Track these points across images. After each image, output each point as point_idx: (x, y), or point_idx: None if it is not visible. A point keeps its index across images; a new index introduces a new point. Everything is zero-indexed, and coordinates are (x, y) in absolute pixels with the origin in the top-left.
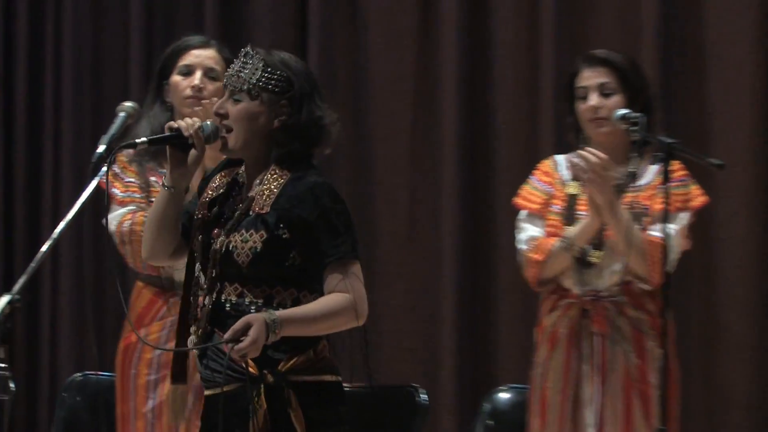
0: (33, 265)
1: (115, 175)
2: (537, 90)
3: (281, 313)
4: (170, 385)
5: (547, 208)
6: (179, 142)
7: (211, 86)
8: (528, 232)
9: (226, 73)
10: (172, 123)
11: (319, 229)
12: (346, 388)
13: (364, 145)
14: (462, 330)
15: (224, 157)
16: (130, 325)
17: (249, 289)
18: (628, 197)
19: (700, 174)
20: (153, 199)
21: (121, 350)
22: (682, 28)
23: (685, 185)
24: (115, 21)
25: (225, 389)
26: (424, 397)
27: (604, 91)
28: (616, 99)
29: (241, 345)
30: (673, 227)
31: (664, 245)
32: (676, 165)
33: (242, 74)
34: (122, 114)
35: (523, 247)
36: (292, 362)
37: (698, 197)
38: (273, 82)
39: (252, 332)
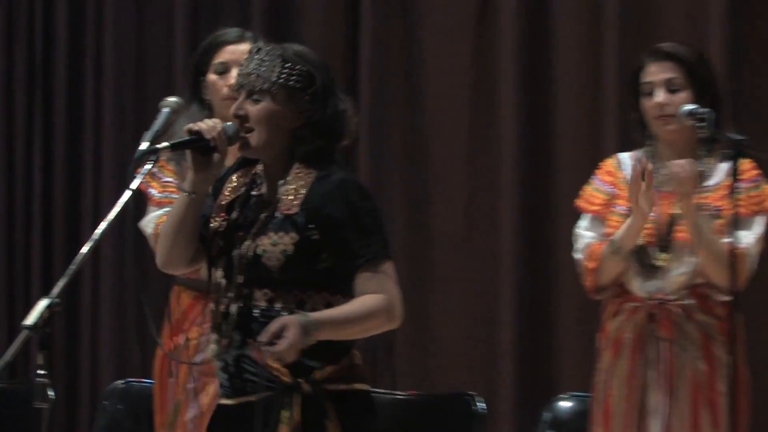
0: (73, 267)
1: (153, 175)
2: (600, 85)
3: (316, 315)
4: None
5: (608, 209)
6: (201, 145)
7: None
8: (584, 239)
9: (240, 73)
10: (191, 126)
11: (349, 229)
12: (399, 397)
13: (419, 142)
14: (521, 335)
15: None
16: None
17: (280, 295)
18: (698, 198)
19: None
20: None
21: (159, 357)
22: (751, 21)
23: (758, 186)
24: (158, 12)
25: (254, 398)
26: (481, 405)
27: (670, 87)
28: (683, 95)
29: (278, 347)
30: (751, 234)
31: (745, 254)
32: (747, 164)
33: (261, 73)
34: (166, 109)
35: (578, 255)
36: (328, 370)
37: None
38: (294, 78)
39: (289, 334)
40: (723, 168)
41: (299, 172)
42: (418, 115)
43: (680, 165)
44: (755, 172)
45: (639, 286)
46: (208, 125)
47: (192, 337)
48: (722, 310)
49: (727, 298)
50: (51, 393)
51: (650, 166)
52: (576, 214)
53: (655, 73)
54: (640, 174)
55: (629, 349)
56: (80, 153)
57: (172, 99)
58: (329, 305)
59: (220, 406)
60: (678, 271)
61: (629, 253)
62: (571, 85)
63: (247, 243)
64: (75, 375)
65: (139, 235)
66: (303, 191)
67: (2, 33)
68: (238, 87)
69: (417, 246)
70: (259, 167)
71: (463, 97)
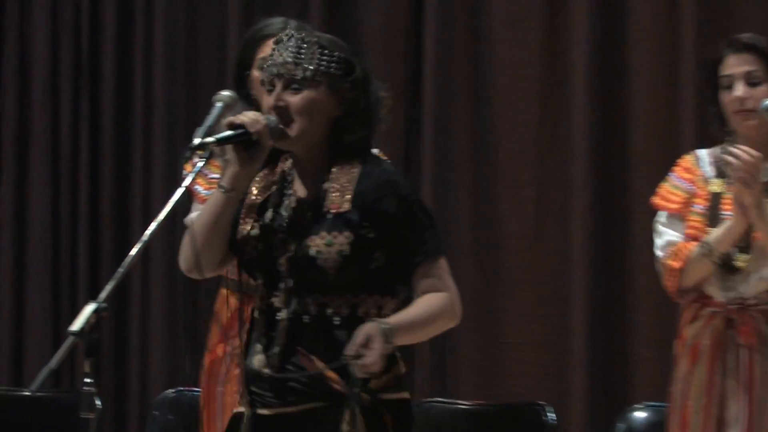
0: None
1: (198, 171)
2: (677, 78)
3: (392, 320)
4: None
5: (687, 208)
6: (244, 140)
7: None
8: (666, 236)
9: (274, 62)
10: (233, 119)
11: (405, 225)
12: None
13: (486, 138)
14: (593, 341)
15: None
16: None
17: (331, 299)
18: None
19: None
20: None
21: (207, 366)
22: None
23: None
24: (211, 2)
25: (301, 408)
26: (551, 415)
27: (750, 80)
28: (763, 88)
29: (368, 360)
30: None
31: None
32: None
33: (300, 61)
34: (219, 104)
35: (660, 253)
36: (384, 379)
37: None
38: (334, 65)
39: (376, 344)
40: None
41: (342, 166)
42: (485, 110)
43: (736, 153)
44: None
45: (718, 290)
46: (250, 118)
47: (239, 345)
48: None
49: None
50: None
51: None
52: (652, 213)
53: (734, 65)
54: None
55: (707, 356)
56: (129, 150)
57: (225, 93)
58: (380, 309)
59: (256, 417)
60: (758, 275)
61: (720, 257)
62: (647, 76)
63: (294, 245)
64: (123, 383)
65: None
66: (350, 187)
67: (47, 27)
68: (273, 77)
69: (484, 247)
70: (287, 164)
71: (533, 90)
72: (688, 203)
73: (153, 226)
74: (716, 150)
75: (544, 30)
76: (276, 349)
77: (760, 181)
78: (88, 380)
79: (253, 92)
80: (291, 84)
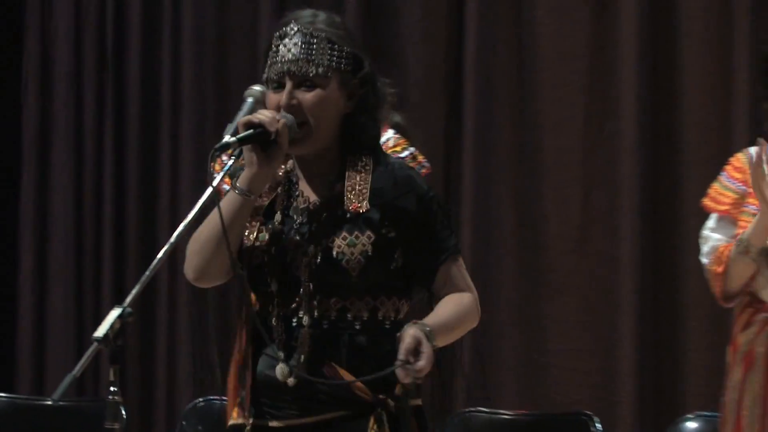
0: (148, 273)
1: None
2: (730, 72)
3: (429, 323)
4: None
5: (738, 210)
6: (262, 139)
7: None
8: (710, 242)
9: (283, 59)
10: (252, 117)
11: (426, 223)
12: (507, 416)
13: (530, 135)
14: (642, 349)
15: None
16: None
17: (352, 303)
18: None
19: None
20: None
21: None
22: None
23: None
24: None
25: (320, 418)
26: (598, 426)
27: None
28: None
29: (421, 364)
30: None
31: None
32: None
33: (312, 57)
34: (250, 99)
35: (705, 260)
36: (408, 384)
37: None
38: (344, 61)
39: (426, 348)
40: None
41: (354, 165)
42: (528, 105)
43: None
44: None
45: None
46: (268, 117)
47: None
48: None
49: None
50: (123, 412)
51: None
52: (704, 214)
53: None
54: (762, 160)
55: (762, 363)
56: (156, 148)
57: (256, 88)
58: (397, 312)
59: (261, 429)
60: None
61: (759, 254)
62: (699, 70)
63: (312, 248)
64: (150, 392)
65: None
66: (366, 185)
67: (70, 19)
68: (283, 74)
69: (528, 250)
70: (289, 164)
71: (579, 85)
72: (738, 204)
73: (180, 227)
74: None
75: (592, 21)
76: (301, 358)
77: None
78: (112, 389)
79: None
80: (303, 82)
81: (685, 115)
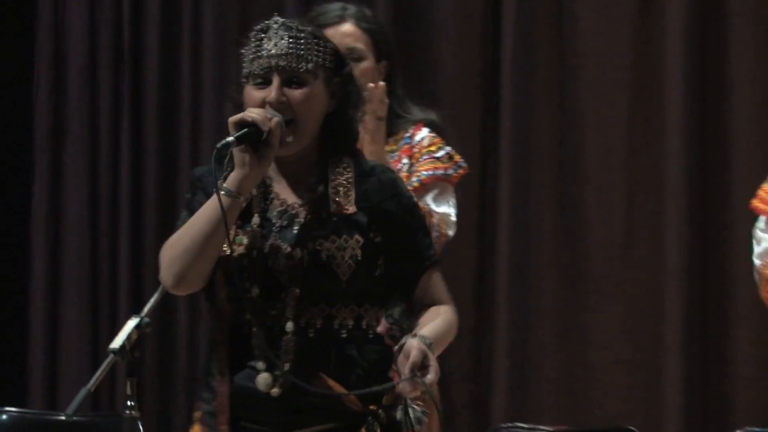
0: None
1: None
2: None
3: (426, 335)
4: None
5: None
6: (254, 139)
7: (354, 70)
8: (764, 243)
9: (269, 54)
10: (245, 115)
11: (409, 229)
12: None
13: (571, 136)
14: (690, 360)
15: None
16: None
17: (338, 310)
18: None
19: None
20: None
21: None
22: None
23: None
24: None
25: (309, 430)
26: None
27: None
28: None
29: (431, 377)
30: None
31: None
32: None
33: (300, 53)
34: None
35: (758, 262)
36: (393, 396)
37: None
38: (328, 57)
39: (432, 360)
40: None
41: (337, 166)
42: (569, 104)
43: None
44: None
45: None
46: (260, 115)
47: None
48: None
49: None
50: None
51: None
52: (753, 218)
53: None
54: None
55: None
56: (175, 149)
57: None
58: (377, 321)
59: None
60: None
61: None
62: (750, 66)
63: (298, 251)
64: (168, 407)
65: None
66: (351, 187)
67: (84, 12)
68: (270, 69)
69: (569, 256)
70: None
71: (623, 82)
72: None
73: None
74: None
75: (636, 14)
76: (285, 367)
77: None
78: (129, 403)
79: None
80: (292, 78)
81: (735, 114)
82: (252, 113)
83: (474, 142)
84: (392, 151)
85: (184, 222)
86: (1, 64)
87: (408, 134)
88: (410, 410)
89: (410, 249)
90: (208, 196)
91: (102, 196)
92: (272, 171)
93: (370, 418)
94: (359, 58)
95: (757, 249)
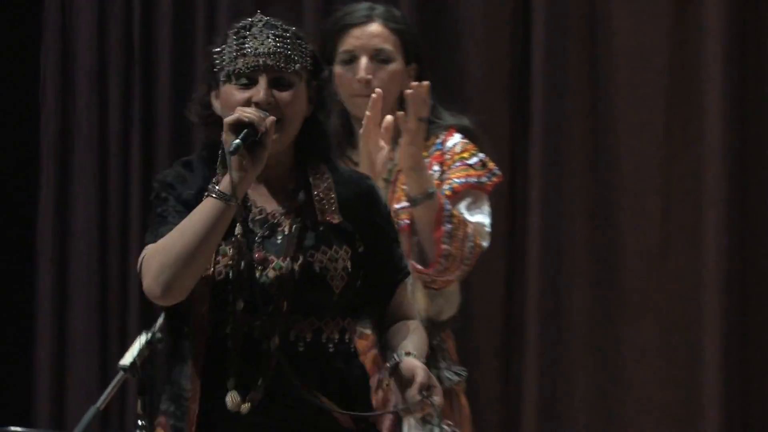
0: None
1: None
2: None
3: (417, 354)
4: None
5: None
6: (251, 140)
7: (381, 72)
8: None
9: (255, 52)
10: (239, 116)
11: (388, 238)
12: None
13: (604, 141)
14: (730, 377)
15: None
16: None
17: (326, 323)
18: None
19: None
20: None
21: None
22: None
23: None
24: None
25: None
26: None
27: None
28: None
29: (439, 399)
30: None
31: None
32: None
33: (288, 52)
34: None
35: None
36: (378, 413)
37: None
38: (309, 59)
39: (435, 382)
40: None
41: (316, 173)
42: (602, 108)
43: None
44: None
45: None
46: (256, 115)
47: None
48: None
49: None
50: None
51: None
52: None
53: None
54: None
55: None
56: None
57: None
58: (355, 334)
59: None
60: None
61: None
62: None
63: (288, 262)
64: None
65: None
66: (332, 194)
67: (93, 10)
68: (256, 69)
69: (602, 268)
70: None
71: (659, 85)
72: None
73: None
74: None
75: (673, 13)
76: (260, 383)
77: None
78: (140, 422)
79: (336, 91)
80: (279, 79)
81: None
82: (247, 113)
83: (502, 147)
84: (423, 158)
85: (158, 230)
86: (6, 65)
87: (439, 140)
88: (443, 428)
89: (388, 259)
90: (185, 203)
91: (111, 204)
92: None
93: None
94: (387, 60)
95: None
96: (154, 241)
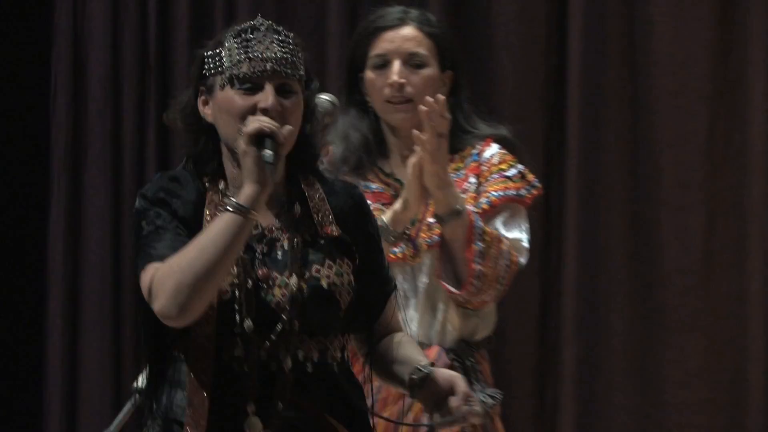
0: None
1: None
2: None
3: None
4: None
5: None
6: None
7: (414, 77)
8: None
9: (261, 56)
10: (260, 126)
11: (378, 249)
12: None
13: (644, 152)
14: None
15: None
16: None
17: (331, 342)
18: None
19: None
20: None
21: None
22: None
23: None
24: None
25: None
26: None
27: None
28: None
29: (477, 408)
30: None
31: None
32: None
33: (293, 59)
34: (317, 111)
35: None
36: (415, 424)
37: None
38: (305, 67)
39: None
40: None
41: (307, 183)
42: (643, 118)
43: None
44: None
45: None
46: (273, 124)
47: None
48: None
49: None
50: None
51: None
52: None
53: None
54: None
55: None
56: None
57: (325, 97)
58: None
59: None
60: None
61: None
62: None
63: (294, 279)
64: None
65: None
66: (326, 205)
67: (106, 15)
68: (263, 74)
69: (642, 287)
70: (221, 184)
71: (701, 93)
72: None
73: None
74: None
75: (716, 18)
76: (279, 406)
77: None
78: None
79: (367, 99)
80: (284, 85)
81: None
82: (266, 122)
83: (537, 159)
84: (458, 169)
85: (156, 247)
86: (14, 74)
87: (475, 151)
88: None
89: (379, 271)
90: (182, 220)
91: (126, 218)
92: (234, 188)
93: None
94: (421, 65)
95: None
96: (155, 259)
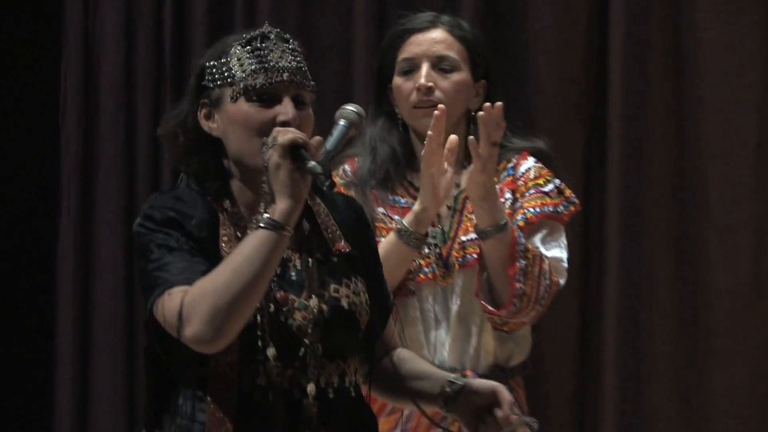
0: None
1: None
2: None
3: None
4: None
5: None
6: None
7: (444, 82)
8: None
9: (277, 65)
10: (296, 138)
11: (379, 262)
12: None
13: (691, 168)
14: None
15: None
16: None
17: (349, 365)
18: None
19: None
20: None
21: None
22: None
23: None
24: None
25: None
26: None
27: None
28: None
29: (526, 418)
30: None
31: None
32: None
33: (305, 68)
34: (342, 122)
35: None
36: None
37: None
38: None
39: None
40: None
41: (310, 199)
42: (688, 129)
43: None
44: None
45: None
46: (304, 137)
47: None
48: None
49: None
50: None
51: None
52: None
53: None
54: None
55: None
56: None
57: (351, 108)
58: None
59: None
60: None
61: None
62: None
63: (313, 300)
64: None
65: None
66: (331, 220)
67: (119, 19)
68: (281, 85)
69: (688, 307)
70: (226, 203)
71: (751, 104)
72: None
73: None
74: None
75: (765, 23)
76: None
77: None
78: None
79: (395, 106)
80: (299, 96)
81: None
82: (298, 134)
83: (575, 173)
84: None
85: (175, 269)
86: (22, 81)
87: (511, 165)
88: None
89: (381, 286)
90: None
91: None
92: (242, 207)
93: None
94: (451, 69)
95: None
96: (176, 283)
